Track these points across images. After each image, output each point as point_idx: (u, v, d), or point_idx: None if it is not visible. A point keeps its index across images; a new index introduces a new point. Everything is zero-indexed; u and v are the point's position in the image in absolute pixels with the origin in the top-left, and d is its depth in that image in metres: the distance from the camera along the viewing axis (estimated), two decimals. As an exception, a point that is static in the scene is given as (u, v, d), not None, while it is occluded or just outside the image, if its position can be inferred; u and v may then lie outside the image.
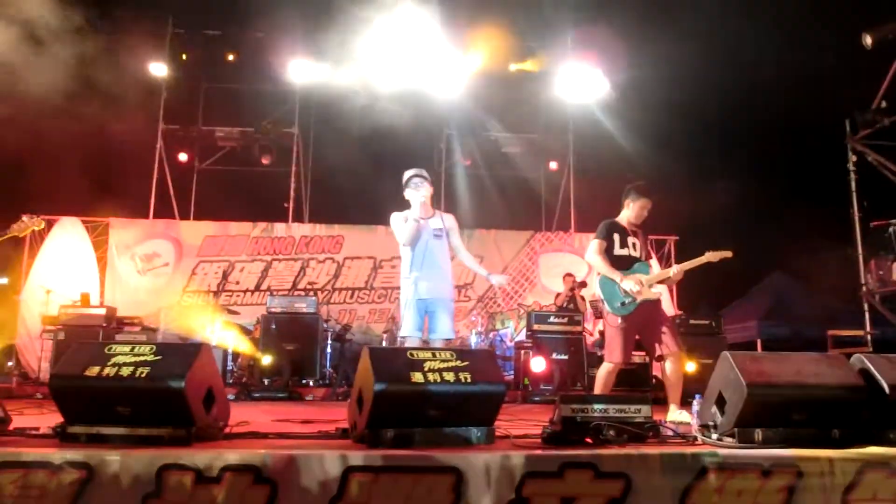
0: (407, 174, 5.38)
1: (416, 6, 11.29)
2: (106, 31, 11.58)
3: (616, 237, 5.25)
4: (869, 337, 10.42)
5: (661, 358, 5.22)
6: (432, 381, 2.98)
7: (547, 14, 12.19)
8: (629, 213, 5.36)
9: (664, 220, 13.12)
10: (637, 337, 5.28)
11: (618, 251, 5.22)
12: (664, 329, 5.09)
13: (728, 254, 5.16)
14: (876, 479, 2.83)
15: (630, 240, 5.28)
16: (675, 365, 5.07)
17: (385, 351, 4.29)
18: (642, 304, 5.07)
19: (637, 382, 8.69)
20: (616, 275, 5.10)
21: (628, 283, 5.06)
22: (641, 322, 5.13)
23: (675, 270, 5.24)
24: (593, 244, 5.30)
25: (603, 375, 5.17)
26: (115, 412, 2.91)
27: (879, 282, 10.72)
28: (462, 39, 12.54)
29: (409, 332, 5.15)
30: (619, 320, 5.10)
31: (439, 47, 12.03)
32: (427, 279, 5.16)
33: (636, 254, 5.25)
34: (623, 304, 5.08)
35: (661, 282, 5.31)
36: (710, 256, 5.18)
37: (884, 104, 10.38)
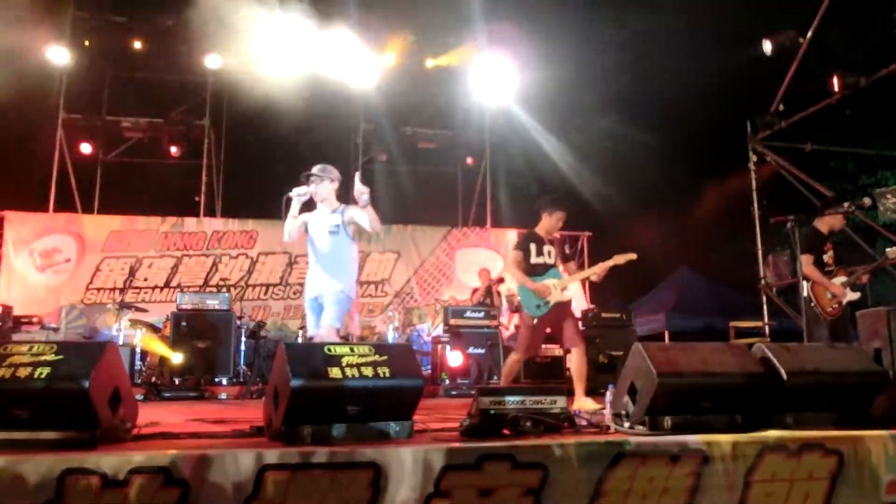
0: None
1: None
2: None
3: (533, 247, 5.78)
4: (767, 327, 10.99)
5: (567, 351, 5.93)
6: (350, 376, 2.95)
7: (463, 10, 12.24)
8: (545, 223, 5.86)
9: (577, 217, 13.47)
10: (549, 330, 5.83)
11: (534, 259, 5.75)
12: (571, 328, 5.71)
13: (633, 256, 5.72)
14: (774, 461, 2.98)
15: (546, 248, 5.80)
16: (578, 358, 5.64)
17: (302, 347, 4.22)
18: (555, 305, 5.64)
19: (551, 375, 8.87)
20: (530, 283, 5.63)
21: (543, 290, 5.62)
22: (554, 320, 5.68)
23: (589, 273, 5.89)
24: (511, 256, 5.98)
25: (510, 363, 5.82)
26: (12, 415, 2.73)
27: (776, 275, 11.35)
28: (378, 34, 12.46)
29: (311, 332, 5.22)
30: (535, 320, 5.67)
31: (355, 41, 11.92)
32: (316, 274, 5.16)
33: (551, 261, 5.77)
34: (538, 306, 5.64)
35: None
36: (618, 259, 5.71)
37: (781, 107, 10.95)
